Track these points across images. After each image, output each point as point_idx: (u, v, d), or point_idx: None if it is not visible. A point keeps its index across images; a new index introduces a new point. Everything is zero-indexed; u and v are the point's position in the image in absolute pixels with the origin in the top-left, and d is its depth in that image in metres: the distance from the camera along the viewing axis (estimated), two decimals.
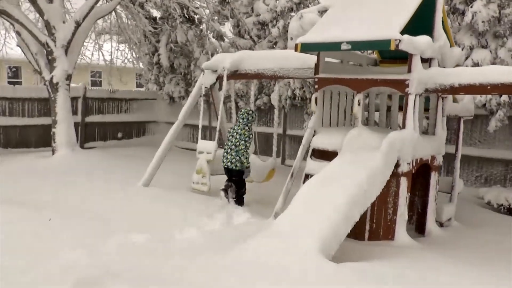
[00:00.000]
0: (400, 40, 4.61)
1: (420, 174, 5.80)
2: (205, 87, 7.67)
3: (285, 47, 10.21)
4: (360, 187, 4.49)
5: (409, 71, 4.99)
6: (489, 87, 4.65)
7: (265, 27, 10.79)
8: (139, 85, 23.51)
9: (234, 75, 7.37)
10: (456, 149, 6.49)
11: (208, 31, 13.03)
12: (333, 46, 5.15)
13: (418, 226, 6.01)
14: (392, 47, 4.65)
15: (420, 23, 5.29)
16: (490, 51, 7.13)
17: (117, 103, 13.39)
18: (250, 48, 11.67)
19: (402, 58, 6.58)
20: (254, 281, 3.69)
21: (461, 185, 6.66)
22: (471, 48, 7.24)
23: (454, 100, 6.17)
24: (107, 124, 13.14)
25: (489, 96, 7.16)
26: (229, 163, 6.74)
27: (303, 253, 3.91)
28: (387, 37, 4.69)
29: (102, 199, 6.18)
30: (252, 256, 4.00)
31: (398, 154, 4.97)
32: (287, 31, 10.26)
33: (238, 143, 6.67)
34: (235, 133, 6.82)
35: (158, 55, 13.23)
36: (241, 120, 6.84)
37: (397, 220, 5.20)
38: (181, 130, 14.04)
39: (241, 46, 11.83)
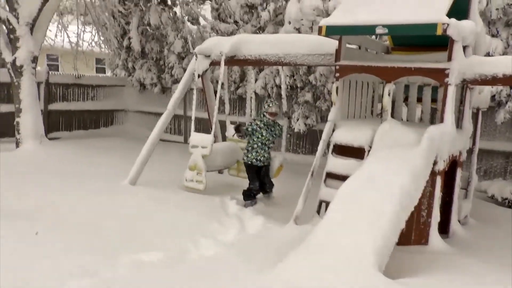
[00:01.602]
0: (448, 25, 4.09)
1: None
2: (198, 74, 6.93)
3: (275, 32, 9.55)
4: (405, 190, 3.97)
5: (450, 59, 4.49)
6: None
7: (253, 10, 10.03)
8: (98, 70, 22.04)
9: (231, 60, 6.66)
10: (474, 143, 6.13)
11: (183, 14, 12.11)
12: (366, 30, 4.57)
13: (439, 226, 5.61)
14: (439, 32, 4.12)
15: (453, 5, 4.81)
16: (501, 40, 6.81)
17: (83, 90, 12.26)
18: (232, 33, 10.91)
19: (418, 45, 6.18)
20: None
21: (475, 180, 6.34)
22: None
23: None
24: (72, 112, 12.00)
25: (500, 88, 6.87)
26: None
27: (358, 271, 3.36)
28: (433, 21, 4.16)
29: (90, 203, 5.32)
30: (296, 275, 3.41)
31: (436, 151, 4.51)
32: (277, 15, 9.63)
33: None
34: None
35: (129, 38, 12.18)
36: None
37: (431, 223, 4.76)
38: (154, 120, 13.25)
39: (222, 31, 11.07)
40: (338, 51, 5.22)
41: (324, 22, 4.80)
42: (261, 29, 10.46)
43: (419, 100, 5.94)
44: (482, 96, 5.93)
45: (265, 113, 6.17)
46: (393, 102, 6.17)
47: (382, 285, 3.28)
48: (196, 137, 6.76)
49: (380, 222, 3.70)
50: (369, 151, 4.90)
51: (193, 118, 6.95)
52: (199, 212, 5.35)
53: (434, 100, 5.78)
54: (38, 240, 4.04)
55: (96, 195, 5.70)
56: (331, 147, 5.21)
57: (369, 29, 4.51)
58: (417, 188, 4.15)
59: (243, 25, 10.52)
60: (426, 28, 4.20)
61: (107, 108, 12.93)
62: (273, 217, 5.36)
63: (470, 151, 6.21)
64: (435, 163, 4.56)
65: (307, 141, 10.56)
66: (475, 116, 6.16)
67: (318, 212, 5.13)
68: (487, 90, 6.01)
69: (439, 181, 4.71)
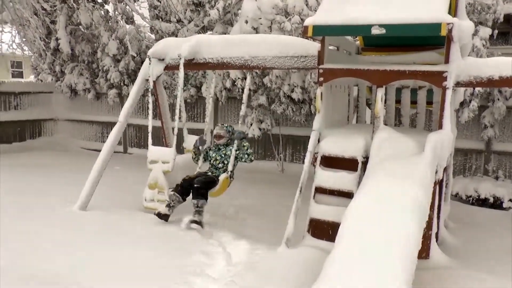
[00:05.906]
0: (453, 24, 3.78)
1: None
2: (152, 80, 6.18)
3: (224, 33, 8.94)
4: (421, 205, 3.61)
5: (447, 61, 4.20)
6: None
7: (199, 8, 9.31)
8: (14, 75, 19.97)
9: (190, 64, 5.99)
10: None
11: (117, 12, 11.07)
12: (360, 30, 4.15)
13: None
14: (443, 33, 3.80)
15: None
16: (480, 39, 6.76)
17: (4, 98, 10.79)
18: (173, 33, 10.15)
19: (391, 46, 5.91)
20: None
21: (452, 182, 6.23)
22: None
23: None
24: None
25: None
26: None
27: None
28: (435, 20, 3.82)
29: (36, 241, 4.41)
30: None
31: (437, 160, 4.21)
32: (226, 13, 9.02)
33: None
34: None
35: (57, 39, 10.91)
36: None
37: (431, 235, 4.47)
38: (88, 128, 12.08)
39: (163, 31, 10.25)
40: (321, 53, 4.77)
41: (310, 21, 4.31)
42: (205, 29, 9.81)
43: (398, 102, 5.68)
44: (457, 96, 5.80)
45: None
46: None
47: None
48: (155, 151, 6.02)
49: (405, 244, 3.28)
50: (362, 162, 4.51)
51: (149, 129, 6.18)
52: (178, 242, 4.65)
53: (414, 102, 5.55)
54: None
55: (44, 226, 4.77)
56: (318, 159, 4.74)
57: (363, 29, 4.09)
58: (428, 201, 3.81)
59: (187, 24, 9.78)
60: (429, 28, 3.85)
61: (33, 117, 11.53)
62: (255, 238, 4.80)
63: None
64: (435, 172, 4.27)
65: (259, 146, 10.09)
66: None
67: (309, 231, 4.65)
68: (462, 89, 5.90)
69: (437, 191, 4.44)
